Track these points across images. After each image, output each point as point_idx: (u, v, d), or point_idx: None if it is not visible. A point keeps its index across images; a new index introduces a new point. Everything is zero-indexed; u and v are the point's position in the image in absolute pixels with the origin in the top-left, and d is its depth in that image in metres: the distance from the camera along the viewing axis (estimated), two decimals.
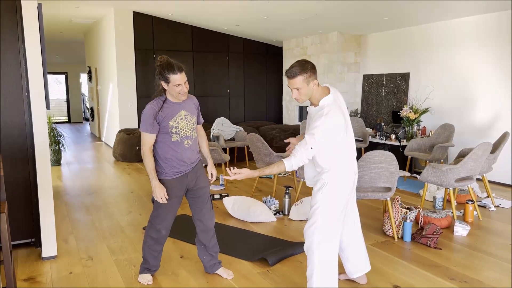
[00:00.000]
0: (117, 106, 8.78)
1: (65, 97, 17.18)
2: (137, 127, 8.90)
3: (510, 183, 6.03)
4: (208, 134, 7.79)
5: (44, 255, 3.40)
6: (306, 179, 2.77)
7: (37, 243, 3.54)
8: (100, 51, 10.25)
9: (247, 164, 7.66)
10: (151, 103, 2.69)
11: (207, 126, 8.43)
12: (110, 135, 9.88)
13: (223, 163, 5.91)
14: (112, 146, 8.93)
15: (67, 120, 17.25)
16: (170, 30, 9.15)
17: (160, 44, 9.09)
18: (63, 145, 7.64)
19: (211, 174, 2.96)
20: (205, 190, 2.92)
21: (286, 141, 2.86)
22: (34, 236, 3.56)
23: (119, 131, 8.28)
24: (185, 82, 2.60)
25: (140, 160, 7.95)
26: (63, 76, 17.04)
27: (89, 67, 12.18)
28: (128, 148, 7.97)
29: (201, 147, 3.00)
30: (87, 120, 17.00)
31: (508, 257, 3.49)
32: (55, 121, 16.48)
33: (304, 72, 2.43)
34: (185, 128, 2.72)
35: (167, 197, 2.72)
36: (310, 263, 2.59)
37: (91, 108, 12.69)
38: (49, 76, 16.97)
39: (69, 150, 9.43)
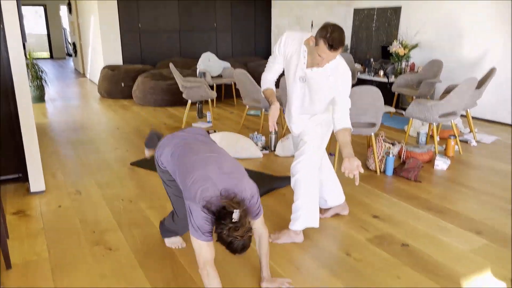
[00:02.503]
0: (100, 41, 8.48)
1: (45, 31, 16.48)
2: (121, 63, 8.67)
3: (493, 119, 6.12)
4: (194, 71, 7.65)
5: (32, 189, 3.44)
6: (295, 114, 2.71)
7: (25, 178, 3.57)
8: None
9: (234, 101, 7.61)
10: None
11: (194, 62, 8.25)
12: (94, 71, 9.64)
13: (209, 100, 5.85)
14: (97, 82, 8.75)
15: (49, 56, 16.70)
16: None
17: None
18: (45, 81, 7.45)
19: None
20: None
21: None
22: (21, 171, 3.57)
23: (104, 68, 8.07)
24: None
25: (126, 97, 7.84)
26: (41, 9, 16.21)
27: None
28: (113, 85, 7.82)
29: None
30: (70, 55, 16.48)
31: (485, 189, 3.63)
32: (37, 57, 15.94)
33: (344, 44, 2.30)
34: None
35: None
36: (298, 197, 2.67)
37: (73, 43, 12.25)
38: (27, 8, 16.15)
39: (53, 87, 9.23)
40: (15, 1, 3.08)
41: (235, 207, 1.76)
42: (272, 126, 2.47)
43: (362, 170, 2.20)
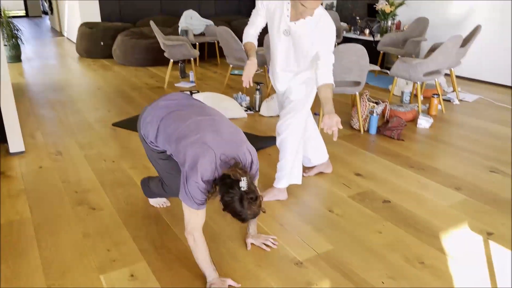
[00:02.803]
0: None
1: None
2: (100, 20, 8.34)
3: (476, 78, 6.15)
4: (176, 29, 7.42)
5: (11, 150, 3.37)
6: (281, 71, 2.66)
7: (3, 139, 3.48)
8: None
9: (218, 60, 7.46)
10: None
11: (175, 20, 7.99)
12: (72, 30, 9.28)
13: (192, 58, 5.72)
14: (75, 41, 8.44)
15: (24, 14, 15.98)
16: None
17: None
18: (21, 40, 7.16)
19: None
20: None
21: None
22: None
23: (81, 25, 7.76)
24: None
25: (106, 56, 7.61)
26: None
27: None
28: (92, 43, 7.56)
29: None
30: (46, 13, 15.80)
31: (465, 147, 3.69)
32: (12, 15, 15.25)
33: None
34: None
35: None
36: (283, 156, 2.67)
37: (49, 0, 11.71)
38: None
39: (29, 46, 8.88)
40: None
41: (242, 175, 1.66)
42: (247, 81, 2.38)
43: (340, 126, 2.16)
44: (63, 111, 4.54)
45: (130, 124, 4.12)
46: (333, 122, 2.19)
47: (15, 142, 3.36)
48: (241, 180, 1.65)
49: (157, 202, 2.63)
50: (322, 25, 2.35)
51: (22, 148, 3.40)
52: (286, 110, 2.63)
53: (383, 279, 2.00)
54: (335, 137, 2.16)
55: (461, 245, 2.28)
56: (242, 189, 1.65)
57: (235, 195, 1.65)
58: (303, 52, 2.46)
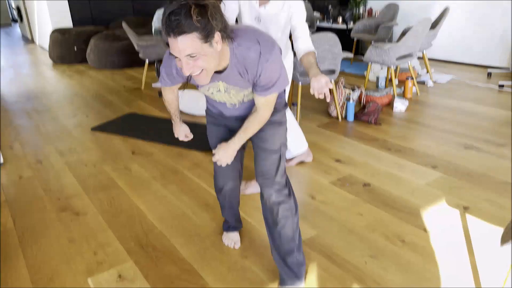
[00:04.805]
0: (46, 4, 7.97)
1: None
2: (71, 25, 8.23)
3: (448, 59, 6.29)
4: (149, 29, 7.37)
5: None
6: None
7: None
8: None
9: None
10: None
11: (148, 20, 7.93)
12: (43, 36, 9.12)
13: None
14: (47, 48, 8.31)
15: None
16: None
17: None
18: None
19: None
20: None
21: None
22: None
23: (53, 32, 7.64)
24: (193, 56, 1.29)
25: (80, 61, 7.52)
26: None
27: None
28: (66, 49, 7.45)
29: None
30: (16, 21, 15.48)
31: (440, 126, 3.79)
32: None
33: None
34: (228, 100, 1.70)
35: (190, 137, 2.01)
36: None
37: (17, 8, 11.47)
38: None
39: (1, 56, 8.70)
40: None
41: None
42: None
43: (331, 86, 1.96)
44: (40, 119, 4.50)
45: (109, 127, 4.11)
46: (322, 83, 1.98)
47: None
48: None
49: (228, 238, 2.26)
50: (291, 3, 2.40)
51: (0, 160, 3.36)
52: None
53: (365, 259, 2.06)
54: (328, 98, 1.98)
55: (439, 220, 2.36)
56: None
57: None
58: (277, 33, 2.49)
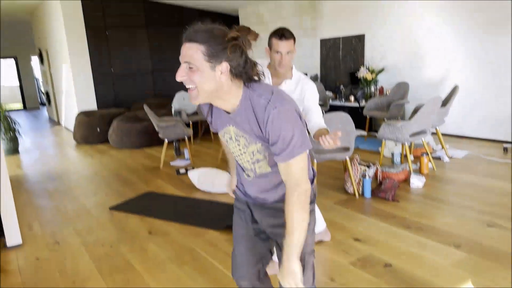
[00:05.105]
0: (73, 89, 8.50)
1: (17, 83, 16.41)
2: (96, 108, 8.68)
3: (463, 134, 6.33)
4: (169, 110, 7.71)
5: (8, 244, 3.36)
6: None
7: (0, 233, 3.48)
8: (49, 31, 9.79)
9: (212, 137, 7.67)
10: None
11: (168, 101, 8.32)
12: (69, 118, 9.59)
13: (186, 137, 5.89)
14: (72, 130, 8.70)
15: (22, 107, 16.54)
16: (121, 6, 8.82)
17: (112, 21, 8.77)
18: (19, 132, 7.37)
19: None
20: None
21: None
22: None
23: (78, 114, 8.05)
24: (190, 67, 1.34)
25: (102, 141, 7.81)
26: (12, 60, 16.20)
27: (40, 50, 11.64)
28: (89, 130, 7.79)
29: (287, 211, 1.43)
30: (44, 105, 16.38)
31: (460, 203, 3.72)
32: (9, 109, 15.78)
33: (294, 36, 2.42)
34: (239, 155, 1.57)
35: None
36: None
37: (47, 93, 12.21)
38: None
39: (27, 138, 9.11)
40: None
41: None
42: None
43: (339, 134, 2.02)
44: (60, 199, 4.59)
45: (128, 206, 4.15)
46: (329, 139, 2.08)
47: (12, 236, 3.36)
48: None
49: None
50: (302, 82, 2.51)
51: (19, 241, 3.39)
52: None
53: None
54: (336, 143, 2.06)
55: None
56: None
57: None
58: None
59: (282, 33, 2.34)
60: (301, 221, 1.40)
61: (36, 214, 4.14)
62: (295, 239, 1.40)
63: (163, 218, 3.79)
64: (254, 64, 1.38)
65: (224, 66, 1.31)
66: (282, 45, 2.35)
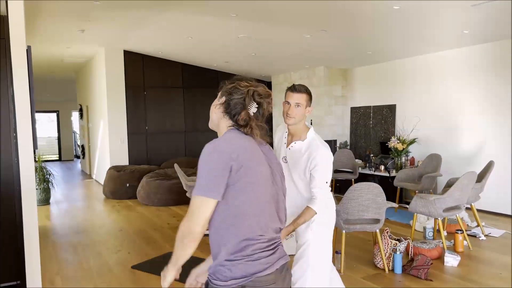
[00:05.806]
0: (108, 143, 8.80)
1: (56, 135, 17.18)
2: (127, 163, 8.89)
3: (499, 212, 6.05)
4: None
5: None
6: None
7: (23, 286, 3.46)
8: (91, 89, 10.36)
9: None
10: None
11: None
12: (100, 172, 9.84)
13: None
14: (102, 183, 8.88)
15: (58, 158, 17.16)
16: (160, 67, 9.31)
17: (150, 81, 9.22)
18: (52, 183, 7.58)
19: None
20: None
21: None
22: (19, 278, 3.48)
23: (110, 168, 8.26)
24: None
25: (130, 197, 7.90)
26: (54, 114, 17.11)
27: (80, 105, 12.27)
28: (118, 185, 7.93)
29: None
30: (78, 157, 16.94)
31: (499, 286, 3.47)
32: (46, 159, 16.37)
33: (310, 93, 2.48)
34: None
35: None
36: None
37: (82, 146, 12.68)
38: (41, 115, 17.03)
39: (59, 189, 9.34)
40: (30, 113, 3.29)
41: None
42: None
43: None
44: (84, 254, 4.58)
45: (149, 266, 4.09)
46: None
47: None
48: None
49: None
50: (313, 148, 2.41)
51: None
52: (298, 253, 2.54)
53: None
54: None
55: None
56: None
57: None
58: (297, 173, 2.48)
59: (294, 86, 2.45)
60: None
61: (59, 268, 4.13)
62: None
63: (184, 281, 3.69)
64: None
65: (220, 101, 1.79)
66: (292, 96, 2.41)
